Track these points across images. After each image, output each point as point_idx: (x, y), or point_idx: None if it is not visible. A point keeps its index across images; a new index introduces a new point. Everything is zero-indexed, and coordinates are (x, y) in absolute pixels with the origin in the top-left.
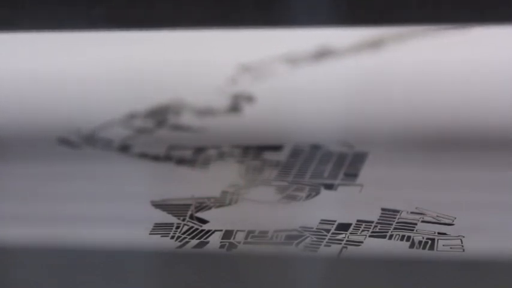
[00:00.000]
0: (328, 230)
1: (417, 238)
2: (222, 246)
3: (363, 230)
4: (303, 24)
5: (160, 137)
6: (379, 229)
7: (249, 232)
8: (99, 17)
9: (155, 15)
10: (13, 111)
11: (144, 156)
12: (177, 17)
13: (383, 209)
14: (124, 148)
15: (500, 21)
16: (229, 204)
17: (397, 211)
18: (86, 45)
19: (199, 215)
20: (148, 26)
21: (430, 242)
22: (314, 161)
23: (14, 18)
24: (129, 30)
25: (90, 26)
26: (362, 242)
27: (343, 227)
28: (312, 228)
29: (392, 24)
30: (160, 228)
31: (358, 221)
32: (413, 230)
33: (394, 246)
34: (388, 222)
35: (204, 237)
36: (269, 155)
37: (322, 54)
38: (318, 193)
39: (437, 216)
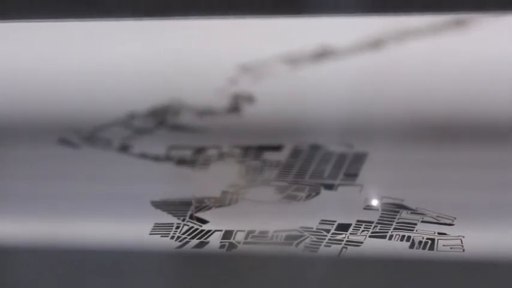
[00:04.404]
0: (328, 230)
1: (417, 238)
2: (222, 246)
3: (362, 230)
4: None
5: (161, 135)
6: (379, 229)
7: (249, 232)
8: (108, 6)
9: (168, 3)
10: (13, 109)
11: (144, 156)
12: (190, 4)
13: (383, 209)
14: (124, 148)
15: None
16: (229, 204)
17: (397, 211)
18: (90, 36)
19: (199, 215)
20: (161, 15)
21: (430, 242)
22: (314, 161)
23: (12, 5)
24: (141, 19)
25: (97, 15)
26: (362, 242)
27: (343, 227)
28: (312, 228)
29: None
30: (160, 228)
31: (358, 221)
32: (413, 230)
33: (394, 246)
34: (388, 222)
35: (204, 237)
36: (269, 155)
37: (323, 53)
38: (318, 193)
39: (437, 216)
